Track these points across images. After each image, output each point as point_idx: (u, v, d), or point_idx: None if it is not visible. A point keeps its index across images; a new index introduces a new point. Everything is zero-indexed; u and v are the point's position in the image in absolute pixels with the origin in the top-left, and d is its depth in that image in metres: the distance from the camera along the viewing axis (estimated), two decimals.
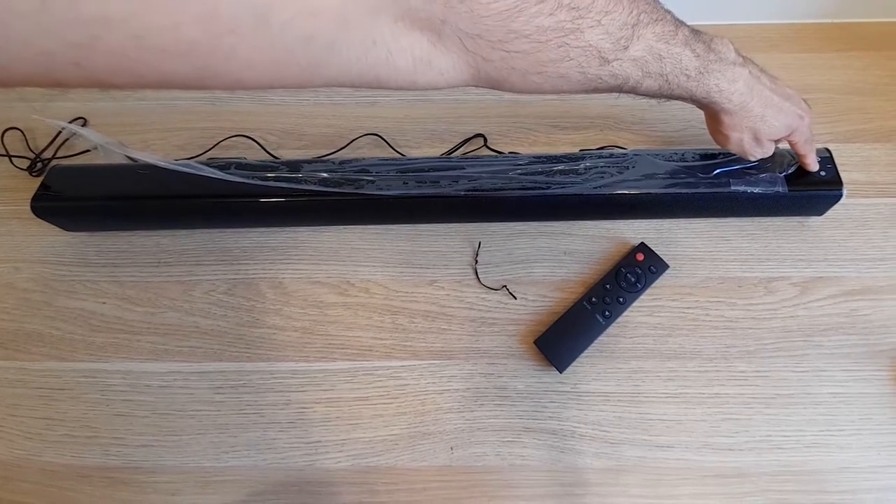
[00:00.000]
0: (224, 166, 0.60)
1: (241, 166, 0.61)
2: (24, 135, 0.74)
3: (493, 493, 0.52)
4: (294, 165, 0.62)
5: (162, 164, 0.56)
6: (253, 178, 0.59)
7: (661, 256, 0.61)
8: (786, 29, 0.80)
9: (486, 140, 0.71)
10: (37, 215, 0.61)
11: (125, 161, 0.63)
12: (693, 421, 0.54)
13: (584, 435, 0.54)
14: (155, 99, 0.77)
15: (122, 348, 0.59)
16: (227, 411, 0.56)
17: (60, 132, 0.73)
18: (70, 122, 0.73)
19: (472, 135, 0.71)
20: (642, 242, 0.62)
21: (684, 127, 0.72)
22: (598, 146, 0.69)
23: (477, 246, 0.64)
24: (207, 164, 0.60)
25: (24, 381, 0.58)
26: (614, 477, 0.53)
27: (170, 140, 0.73)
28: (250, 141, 0.72)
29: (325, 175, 0.60)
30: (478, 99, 0.75)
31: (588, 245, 0.64)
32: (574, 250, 0.63)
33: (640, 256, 0.61)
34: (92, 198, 0.62)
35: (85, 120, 0.75)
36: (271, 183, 0.59)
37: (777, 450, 0.53)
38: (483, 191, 0.59)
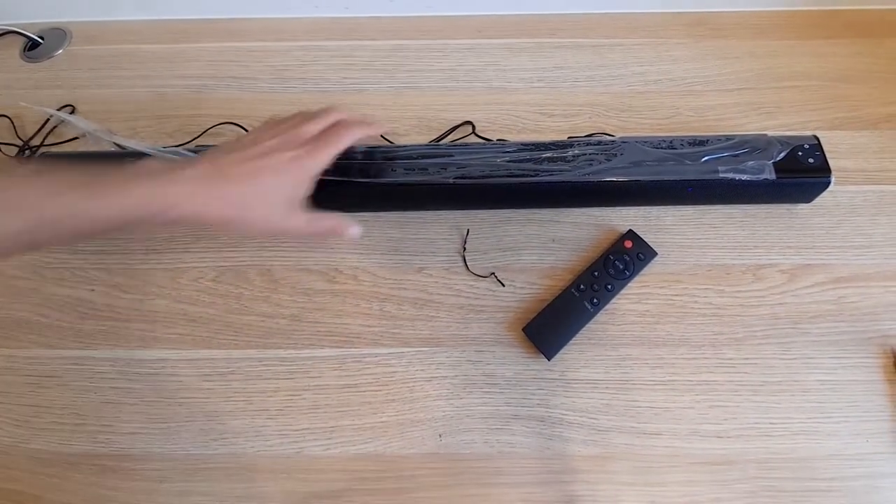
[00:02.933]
0: None
1: None
2: (12, 122, 0.73)
3: (482, 481, 0.53)
4: None
5: (150, 151, 0.56)
6: None
7: (650, 244, 0.61)
8: (774, 16, 0.80)
9: (474, 127, 0.71)
10: None
11: (113, 148, 0.63)
12: (681, 408, 0.55)
13: (572, 422, 0.54)
14: (143, 87, 0.77)
15: (110, 335, 0.59)
16: (215, 399, 0.56)
17: (49, 119, 0.73)
18: (58, 110, 0.73)
19: (460, 122, 0.71)
20: (630, 230, 0.62)
21: (672, 114, 0.71)
22: (586, 133, 0.69)
23: (465, 233, 0.63)
24: (195, 152, 0.60)
25: (12, 368, 0.58)
26: (602, 464, 0.53)
27: (158, 127, 0.73)
28: (238, 128, 0.72)
29: None
30: (466, 86, 0.75)
31: (576, 232, 0.63)
32: (562, 237, 0.63)
33: (629, 243, 0.61)
34: None
35: (73, 107, 0.75)
36: None
37: (765, 437, 0.53)
38: (471, 178, 0.59)
